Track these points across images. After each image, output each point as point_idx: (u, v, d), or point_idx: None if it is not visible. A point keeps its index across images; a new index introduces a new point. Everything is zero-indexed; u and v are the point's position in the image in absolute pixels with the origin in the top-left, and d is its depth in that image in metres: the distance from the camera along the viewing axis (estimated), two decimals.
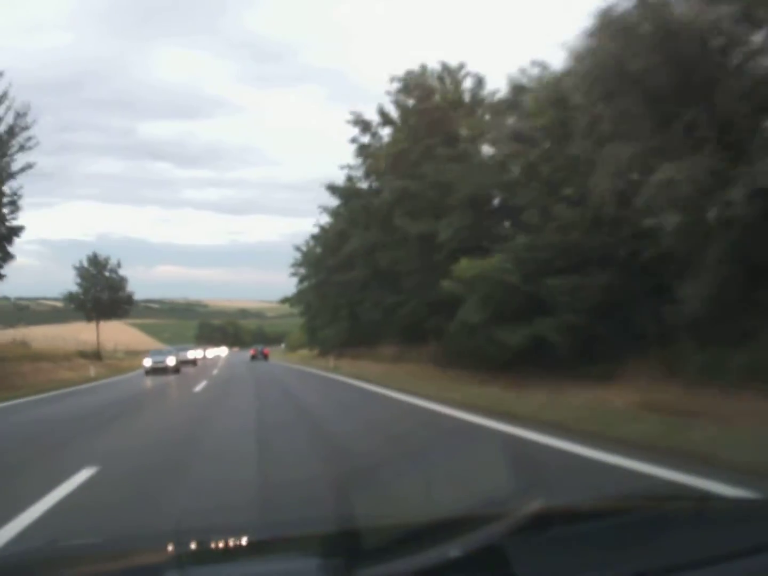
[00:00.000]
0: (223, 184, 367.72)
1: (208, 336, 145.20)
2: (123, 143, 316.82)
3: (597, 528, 1.75)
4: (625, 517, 1.86)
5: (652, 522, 1.71)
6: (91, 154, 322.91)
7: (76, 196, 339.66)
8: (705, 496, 2.19)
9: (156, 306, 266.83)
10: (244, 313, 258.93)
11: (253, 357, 61.59)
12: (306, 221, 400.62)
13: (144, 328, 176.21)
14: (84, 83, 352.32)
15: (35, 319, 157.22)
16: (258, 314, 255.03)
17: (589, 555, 1.52)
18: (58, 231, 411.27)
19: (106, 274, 58.84)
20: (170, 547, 1.71)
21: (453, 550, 1.45)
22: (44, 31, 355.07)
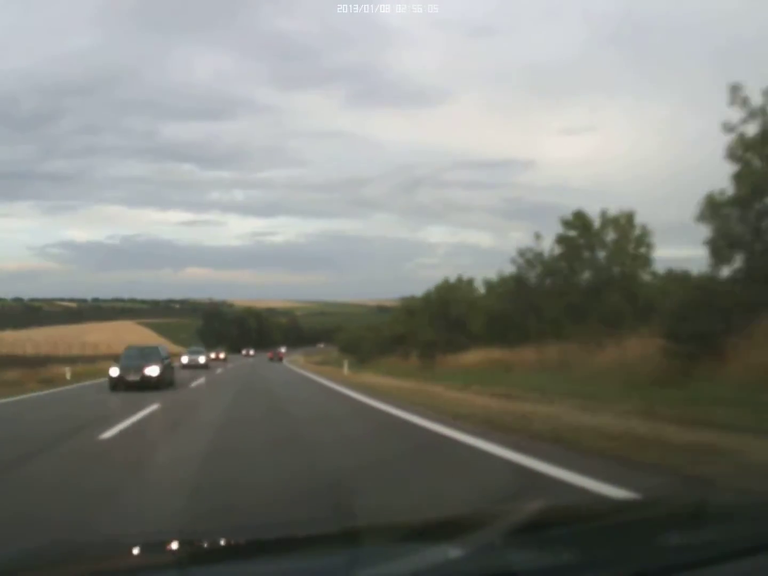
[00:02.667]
0: (248, 186, 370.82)
1: (219, 335, 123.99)
2: (147, 145, 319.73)
3: (597, 528, 1.75)
4: (625, 517, 1.86)
5: (652, 522, 1.71)
6: (115, 157, 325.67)
7: (100, 198, 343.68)
8: (705, 496, 2.11)
9: (177, 306, 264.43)
10: (272, 312, 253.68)
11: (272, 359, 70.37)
12: (332, 222, 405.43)
13: (159, 328, 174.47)
14: (108, 85, 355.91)
15: (48, 321, 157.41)
16: (286, 313, 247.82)
17: (589, 555, 1.52)
18: (82, 234, 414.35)
19: None
20: (170, 547, 1.73)
21: (453, 550, 1.45)
22: (69, 33, 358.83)
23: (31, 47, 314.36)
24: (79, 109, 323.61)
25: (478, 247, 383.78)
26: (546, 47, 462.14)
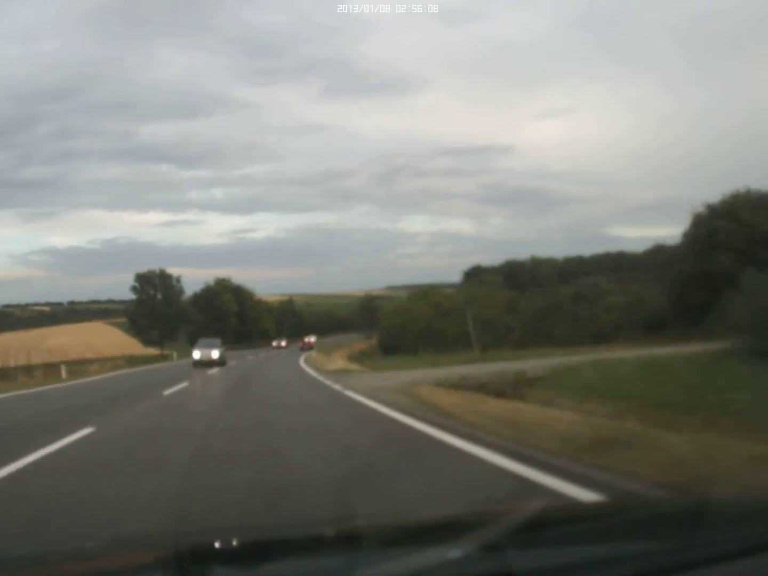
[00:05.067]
0: (227, 183, 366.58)
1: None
2: (124, 147, 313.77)
3: (597, 528, 1.75)
4: (625, 517, 1.86)
5: (652, 522, 1.71)
6: (93, 160, 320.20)
7: (80, 203, 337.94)
8: (705, 496, 2.09)
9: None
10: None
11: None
12: (312, 216, 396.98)
13: (130, 329, 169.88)
14: (81, 88, 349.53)
15: (19, 325, 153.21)
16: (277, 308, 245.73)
17: (588, 555, 1.53)
18: (64, 240, 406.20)
19: None
20: (170, 548, 1.72)
21: (453, 550, 1.45)
22: (39, 38, 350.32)
23: (3, 53, 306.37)
24: (55, 113, 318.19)
25: (460, 235, 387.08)
26: (522, 31, 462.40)
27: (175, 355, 59.13)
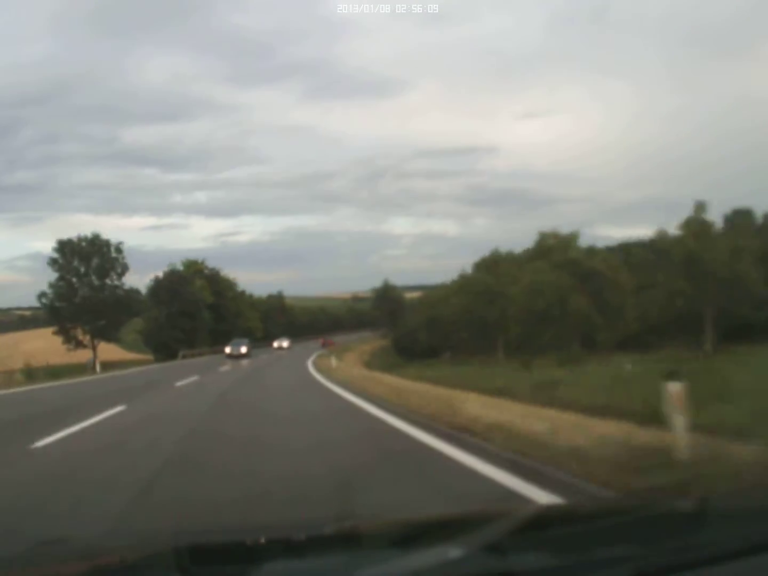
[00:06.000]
0: (211, 186, 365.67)
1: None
2: (109, 151, 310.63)
3: (597, 528, 1.75)
4: (625, 517, 1.86)
5: (652, 522, 1.71)
6: (78, 165, 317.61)
7: (65, 207, 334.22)
8: (705, 496, 2.13)
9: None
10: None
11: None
12: (296, 218, 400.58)
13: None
14: (66, 93, 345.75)
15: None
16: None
17: (588, 555, 1.53)
18: (50, 244, 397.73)
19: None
20: (170, 548, 1.71)
21: (453, 550, 1.45)
22: (23, 42, 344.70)
23: None
24: (39, 118, 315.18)
25: (443, 236, 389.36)
26: (504, 32, 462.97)
27: (98, 365, 42.65)
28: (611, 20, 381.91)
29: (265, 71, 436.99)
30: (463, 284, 54.07)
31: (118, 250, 52.58)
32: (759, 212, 53.51)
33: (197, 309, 60.65)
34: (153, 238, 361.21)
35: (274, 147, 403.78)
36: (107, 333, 51.47)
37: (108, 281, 51.87)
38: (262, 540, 1.91)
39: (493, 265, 54.66)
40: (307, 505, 4.34)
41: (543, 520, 1.79)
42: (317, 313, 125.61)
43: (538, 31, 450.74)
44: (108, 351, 54.12)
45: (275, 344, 66.02)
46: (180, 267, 68.06)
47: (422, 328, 56.21)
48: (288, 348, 63.36)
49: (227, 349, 46.73)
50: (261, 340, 71.15)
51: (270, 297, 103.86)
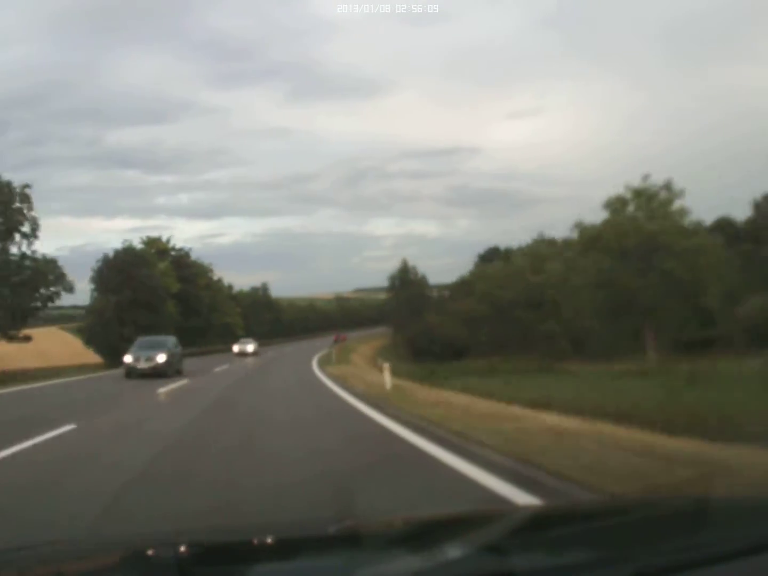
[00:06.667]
0: (194, 188, 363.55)
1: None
2: (92, 153, 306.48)
3: (597, 528, 1.75)
4: (625, 517, 1.86)
5: (652, 522, 1.71)
6: (60, 167, 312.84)
7: (49, 210, 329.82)
8: (705, 496, 2.11)
9: None
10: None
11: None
12: (279, 220, 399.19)
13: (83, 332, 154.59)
14: (49, 95, 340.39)
15: None
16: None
17: (589, 555, 1.53)
18: (32, 247, 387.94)
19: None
20: (170, 547, 1.71)
21: (453, 550, 1.45)
22: (5, 44, 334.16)
23: None
24: (23, 120, 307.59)
25: (426, 237, 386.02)
26: (490, 32, 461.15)
27: None
28: (597, 21, 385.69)
29: (247, 73, 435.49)
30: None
31: (25, 197, 33.63)
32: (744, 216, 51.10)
33: (158, 299, 46.49)
34: (135, 241, 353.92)
35: (257, 148, 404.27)
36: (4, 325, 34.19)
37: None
38: (262, 540, 1.90)
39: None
40: None
41: (543, 520, 1.78)
42: (306, 310, 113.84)
43: (522, 31, 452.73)
44: (49, 349, 48.72)
45: (236, 348, 50.38)
46: (139, 246, 52.49)
47: (462, 322, 49.80)
48: (254, 353, 47.85)
49: (234, 348, 50.93)
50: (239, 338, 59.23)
51: (253, 290, 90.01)
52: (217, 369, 27.50)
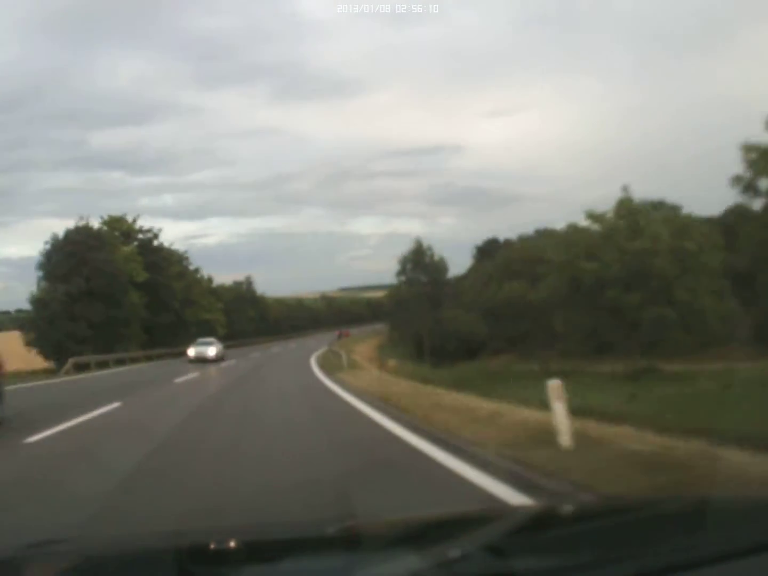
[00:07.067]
0: (178, 189, 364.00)
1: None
2: (77, 155, 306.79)
3: (597, 528, 1.75)
4: (625, 517, 1.85)
5: (652, 522, 1.70)
6: (46, 169, 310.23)
7: (34, 212, 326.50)
8: (705, 496, 2.14)
9: None
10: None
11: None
12: (263, 220, 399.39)
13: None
14: (33, 97, 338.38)
15: None
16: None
17: (589, 555, 1.52)
18: (18, 250, 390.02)
19: None
20: (170, 548, 1.72)
21: (453, 550, 1.45)
22: None
23: None
24: (5, 123, 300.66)
25: (409, 236, 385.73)
26: (472, 30, 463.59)
27: None
28: (578, 19, 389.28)
29: (231, 73, 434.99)
30: None
31: None
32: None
33: (118, 289, 38.46)
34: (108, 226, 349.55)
35: (241, 149, 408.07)
36: None
37: None
38: (262, 540, 1.90)
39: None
40: None
41: (543, 520, 1.78)
42: (293, 307, 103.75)
43: (505, 29, 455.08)
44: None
45: (191, 352, 35.97)
46: (98, 225, 44.58)
47: (484, 315, 43.26)
48: (216, 359, 35.23)
49: (190, 352, 35.48)
50: (225, 338, 50.65)
51: (237, 284, 79.73)
52: (179, 380, 20.31)
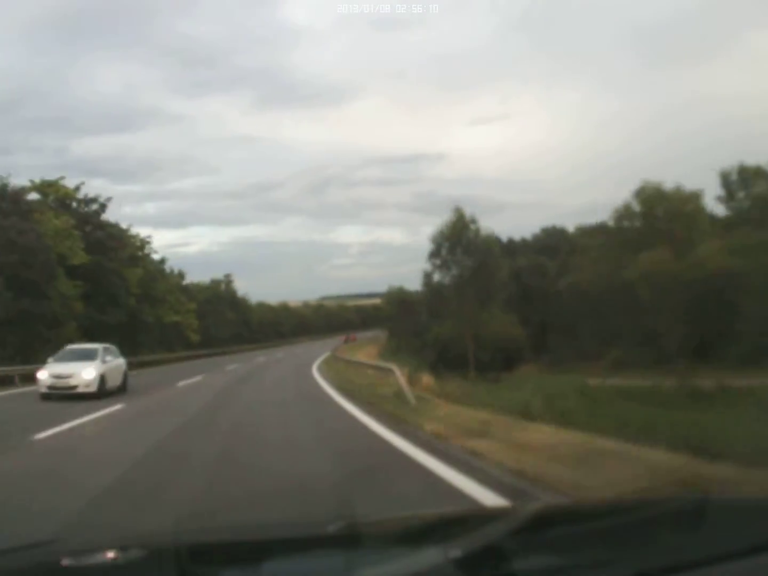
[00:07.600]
0: (160, 197, 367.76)
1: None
2: (58, 162, 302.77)
3: (597, 528, 1.75)
4: (625, 517, 1.85)
5: (652, 522, 1.70)
6: (28, 176, 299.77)
7: None
8: (705, 496, 1.94)
9: None
10: None
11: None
12: (245, 228, 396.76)
13: None
14: (17, 104, 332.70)
15: None
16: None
17: (589, 555, 1.54)
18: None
19: None
20: (170, 547, 1.70)
21: (453, 550, 1.44)
22: None
23: None
24: None
25: (391, 245, 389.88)
26: (455, 38, 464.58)
27: None
28: (565, 26, 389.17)
29: (213, 80, 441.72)
30: None
31: None
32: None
33: (42, 272, 27.84)
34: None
35: (223, 157, 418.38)
36: None
37: None
38: (262, 540, 1.90)
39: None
40: None
41: (543, 520, 1.82)
42: (278, 311, 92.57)
43: (488, 38, 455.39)
44: None
45: (43, 376, 17.17)
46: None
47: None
48: (97, 391, 16.68)
49: (42, 375, 17.18)
50: (198, 347, 44.53)
51: (214, 282, 68.75)
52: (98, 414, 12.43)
